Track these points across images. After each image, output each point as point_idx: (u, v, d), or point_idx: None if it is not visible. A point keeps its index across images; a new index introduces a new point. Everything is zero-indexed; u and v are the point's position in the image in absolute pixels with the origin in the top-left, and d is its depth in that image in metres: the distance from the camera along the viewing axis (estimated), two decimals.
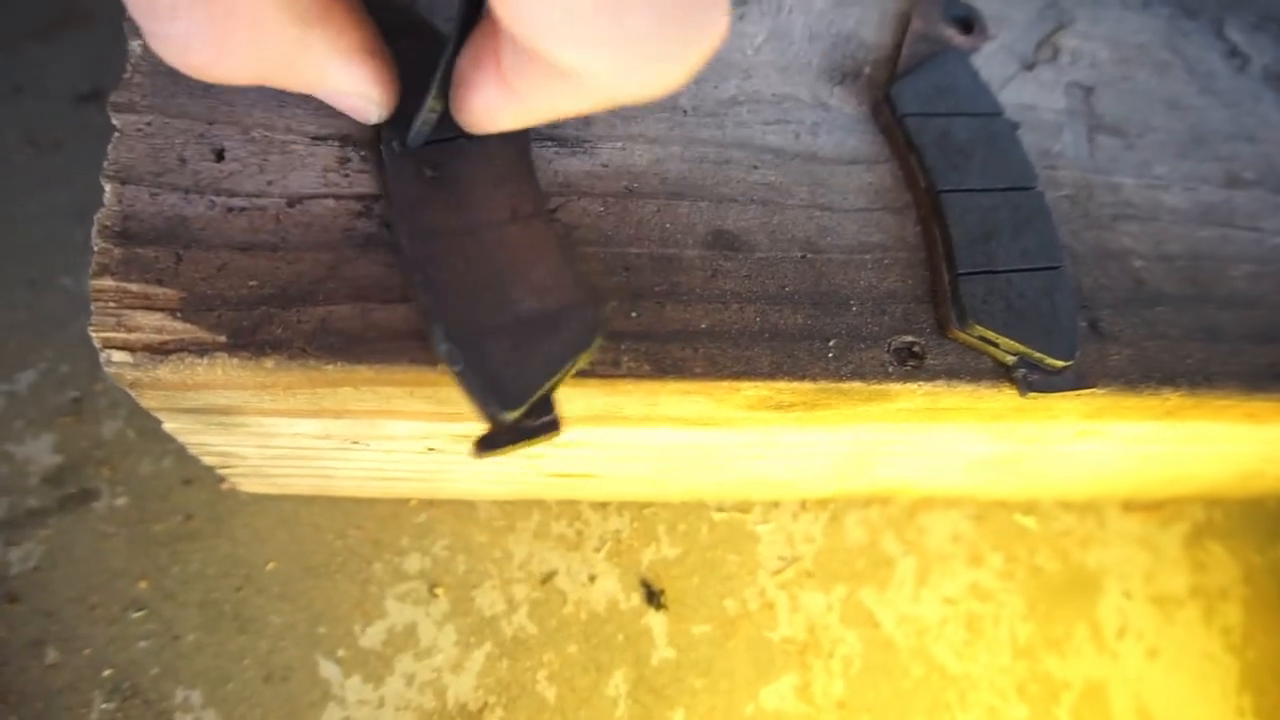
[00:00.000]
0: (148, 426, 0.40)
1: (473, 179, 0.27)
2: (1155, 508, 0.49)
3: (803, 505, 0.45)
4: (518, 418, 0.25)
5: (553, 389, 0.26)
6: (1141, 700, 0.44)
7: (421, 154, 0.28)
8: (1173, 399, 0.33)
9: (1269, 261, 0.36)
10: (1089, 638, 0.45)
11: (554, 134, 0.31)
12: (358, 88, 0.26)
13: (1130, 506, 0.49)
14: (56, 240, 0.42)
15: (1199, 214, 0.36)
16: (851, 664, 0.42)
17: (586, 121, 0.32)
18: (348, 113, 0.28)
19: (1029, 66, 0.38)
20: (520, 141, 0.28)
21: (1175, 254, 0.35)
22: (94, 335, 0.26)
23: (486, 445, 0.25)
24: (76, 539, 0.38)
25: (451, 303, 0.26)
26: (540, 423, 0.25)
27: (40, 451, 0.39)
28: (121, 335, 0.26)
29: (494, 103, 0.24)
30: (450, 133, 0.27)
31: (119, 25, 0.29)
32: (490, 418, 0.25)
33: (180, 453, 0.40)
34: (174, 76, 0.29)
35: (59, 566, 0.38)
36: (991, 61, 0.37)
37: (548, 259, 0.27)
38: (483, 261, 0.26)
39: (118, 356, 0.26)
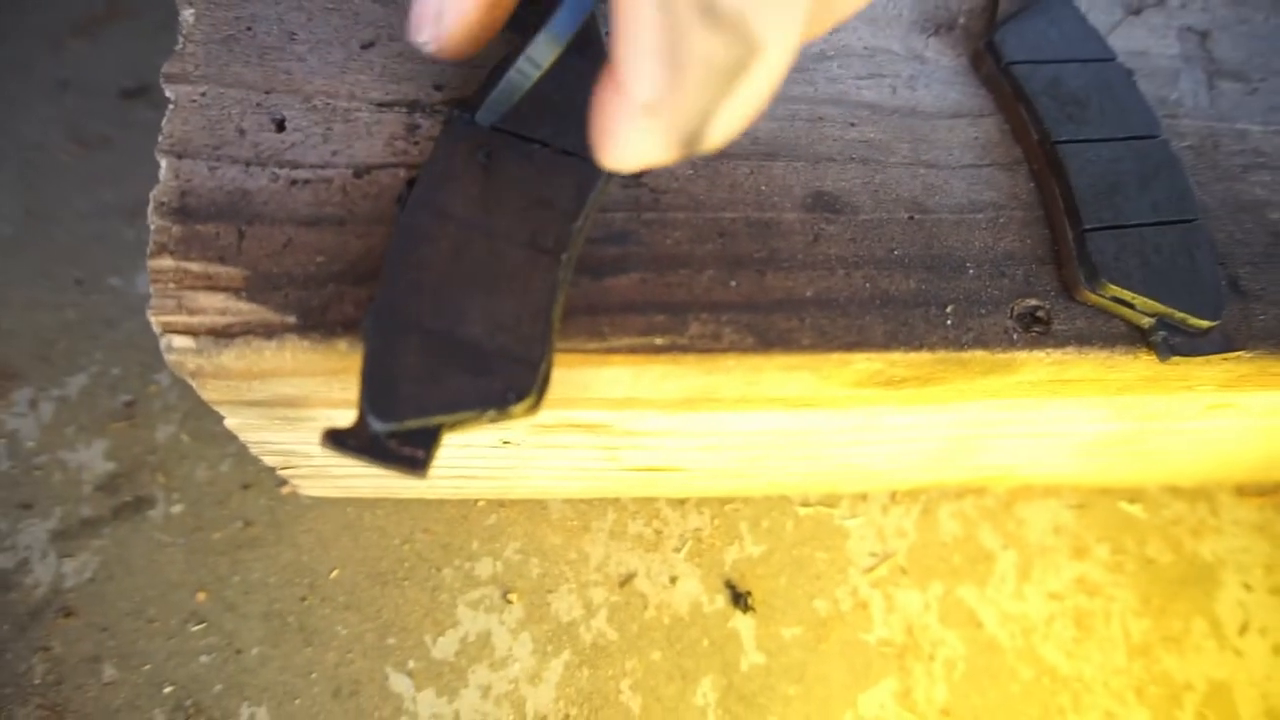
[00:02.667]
0: (203, 430, 0.38)
1: (517, 186, 0.24)
2: (1272, 492, 0.45)
3: (892, 498, 0.42)
4: (386, 433, 0.22)
5: (443, 428, 0.22)
6: (1270, 701, 0.41)
7: (485, 136, 0.25)
8: None
9: None
10: (1209, 634, 0.42)
11: None
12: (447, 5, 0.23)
13: (1244, 491, 0.45)
14: (105, 239, 0.41)
15: None
16: (954, 667, 0.39)
17: None
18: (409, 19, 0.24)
19: (1135, 11, 0.35)
20: (589, 172, 0.25)
21: None
22: (153, 320, 0.24)
23: (334, 439, 0.21)
24: (132, 549, 0.36)
25: (402, 284, 0.23)
26: (406, 454, 0.21)
27: (93, 459, 0.37)
28: (183, 319, 0.24)
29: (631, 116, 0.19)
30: (532, 133, 0.25)
31: (162, 18, 0.27)
32: (360, 415, 0.22)
33: (238, 456, 0.38)
34: (228, 44, 0.27)
35: (115, 579, 0.36)
36: (1095, 7, 0.34)
37: (529, 300, 0.23)
38: (464, 264, 0.23)
39: (179, 342, 0.24)
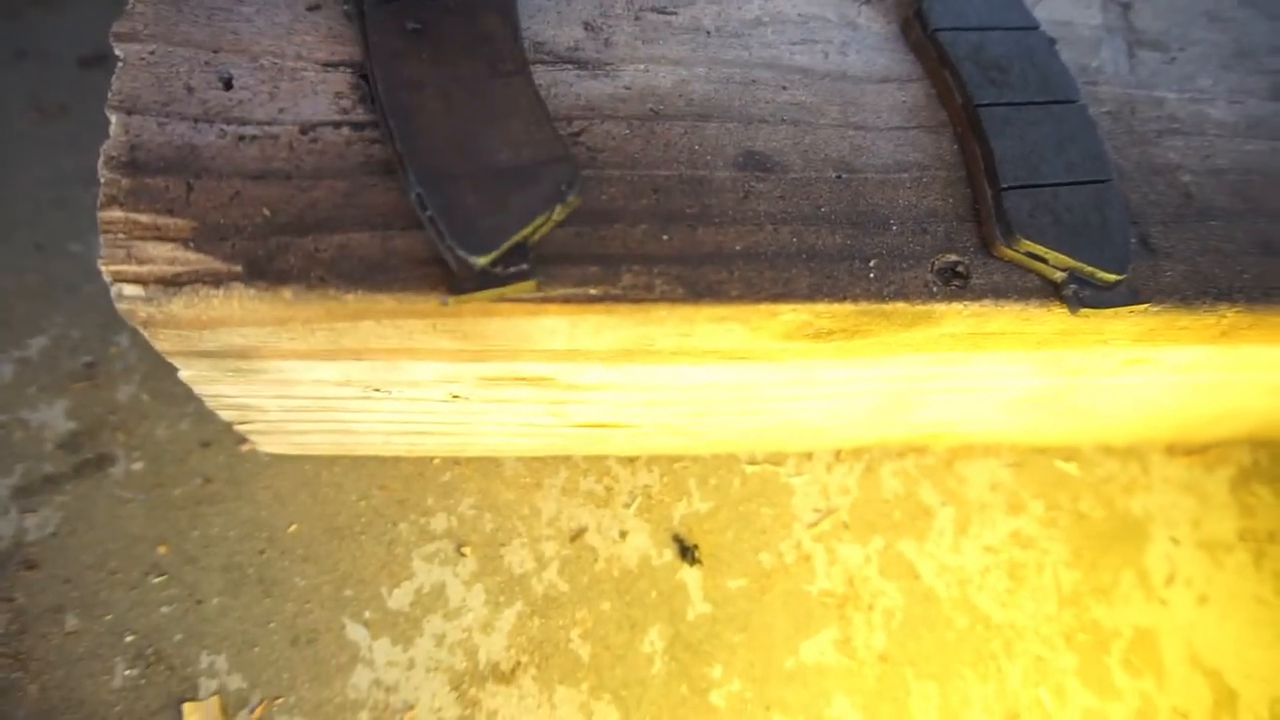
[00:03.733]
0: (163, 390, 0.39)
1: (455, 34, 0.27)
2: (1199, 451, 0.47)
3: (837, 456, 0.44)
4: (488, 263, 0.25)
5: (527, 238, 0.25)
6: (1194, 647, 0.43)
7: (403, 8, 0.27)
8: (1229, 316, 0.31)
9: None
10: (1137, 585, 0.44)
11: (574, 57, 0.30)
12: None
13: (1174, 451, 0.47)
14: (65, 205, 0.41)
15: (1246, 127, 0.35)
16: (892, 616, 0.41)
17: (607, 43, 0.31)
18: None
19: None
20: (503, 3, 0.28)
21: (1224, 168, 0.34)
22: (104, 269, 0.25)
23: (455, 289, 0.25)
24: (94, 505, 0.37)
25: (425, 150, 0.25)
26: (513, 270, 0.25)
27: (54, 418, 0.38)
28: (133, 268, 0.25)
29: None
30: None
31: None
32: (460, 261, 0.25)
33: (197, 415, 0.39)
34: (177, 5, 0.28)
35: (77, 533, 0.37)
36: None
37: (526, 114, 0.26)
38: (459, 113, 0.26)
39: (129, 290, 0.25)
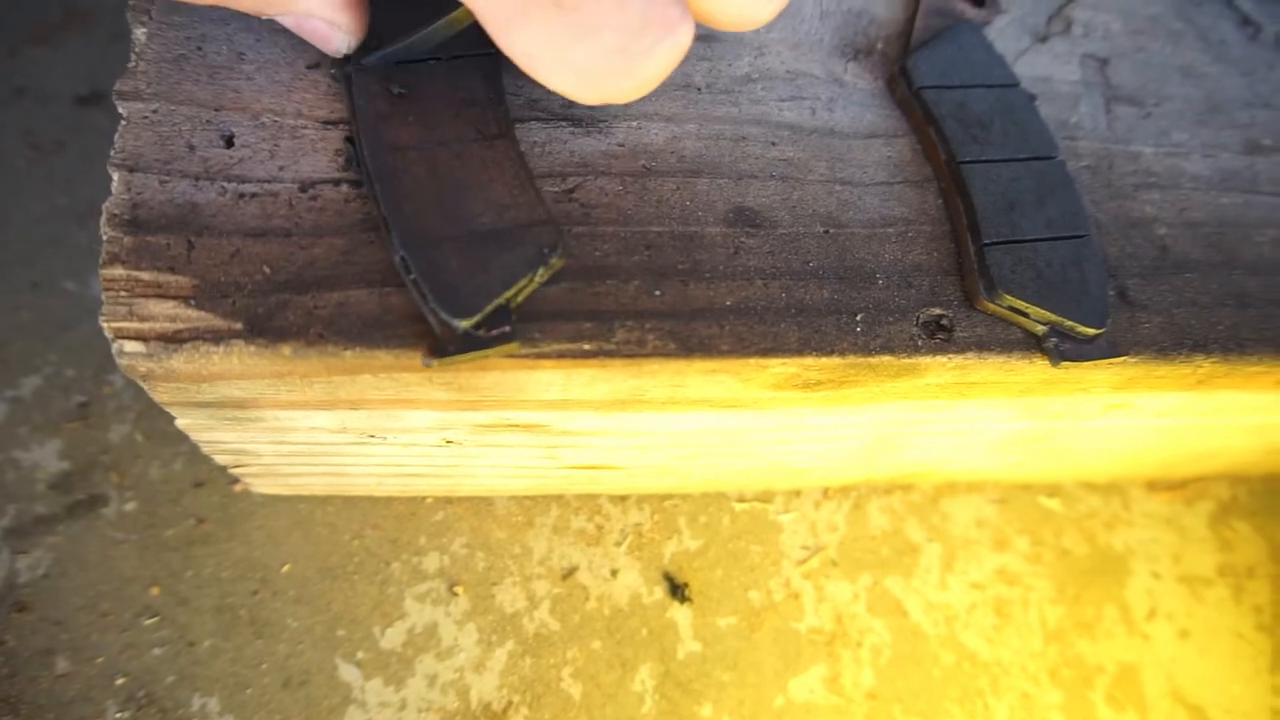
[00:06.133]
0: (156, 430, 0.39)
1: (440, 98, 0.28)
2: (1179, 487, 0.48)
3: (825, 494, 0.44)
4: (471, 326, 0.25)
5: (510, 300, 0.26)
6: (1175, 682, 0.44)
7: (389, 73, 0.28)
8: (1205, 366, 0.32)
9: None
10: (1119, 620, 0.45)
11: (568, 114, 0.31)
12: (326, 12, 0.27)
13: (1155, 486, 0.48)
14: (59, 243, 0.42)
15: (1220, 180, 0.36)
16: (880, 653, 0.42)
17: None
18: (314, 40, 0.28)
19: (1042, 39, 0.37)
20: (489, 65, 0.28)
21: (1199, 221, 0.35)
22: (105, 326, 0.25)
23: (436, 353, 0.25)
24: (86, 546, 0.37)
25: (408, 213, 0.26)
26: (495, 333, 0.25)
27: (47, 458, 0.38)
28: (134, 325, 0.25)
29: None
30: (422, 55, 0.28)
31: (118, 28, 0.29)
32: (443, 324, 0.25)
33: (190, 455, 0.39)
34: (179, 63, 0.29)
35: (68, 574, 0.37)
36: (1004, 35, 0.37)
37: (510, 177, 0.27)
38: (443, 177, 0.26)
39: (130, 347, 0.25)
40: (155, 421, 0.39)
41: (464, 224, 0.26)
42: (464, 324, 0.25)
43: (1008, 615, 0.44)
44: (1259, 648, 0.45)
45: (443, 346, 0.25)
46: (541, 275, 0.26)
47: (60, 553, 0.37)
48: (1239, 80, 0.39)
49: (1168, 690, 0.44)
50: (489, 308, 0.25)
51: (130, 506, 0.38)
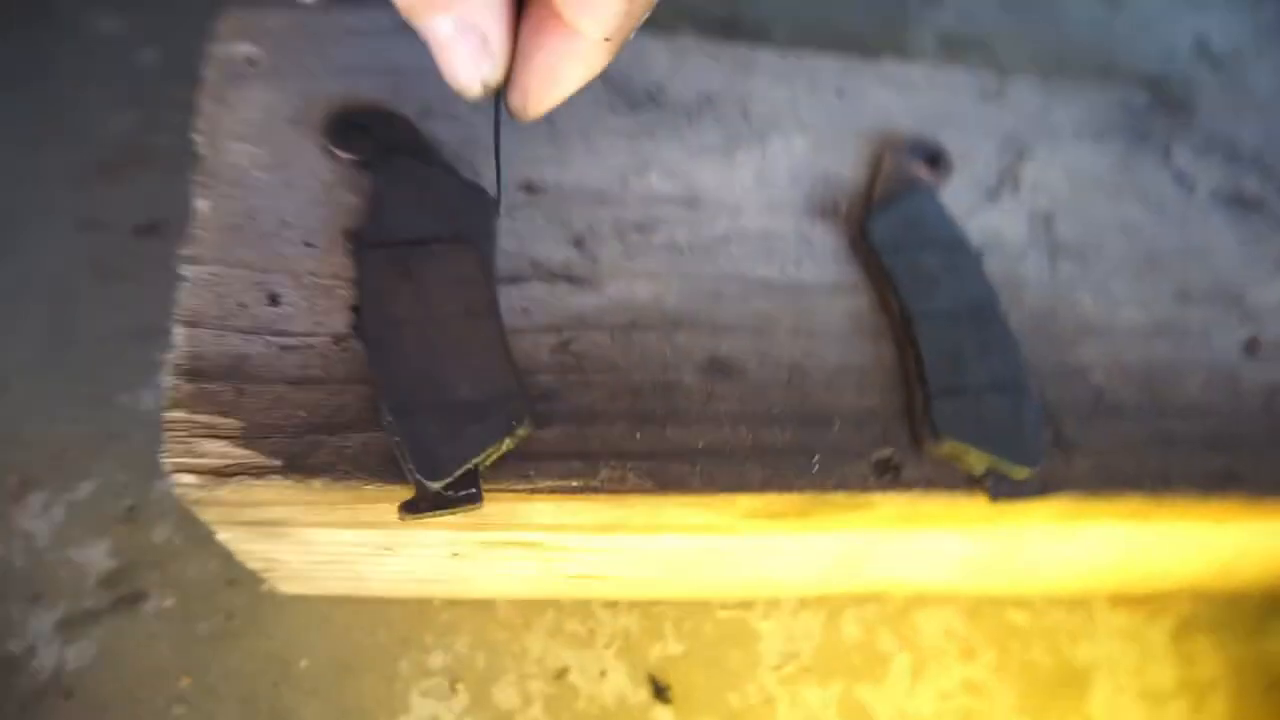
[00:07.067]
0: (195, 533, 0.43)
1: (437, 278, 0.32)
2: (1142, 602, 0.51)
3: (802, 603, 0.48)
4: (442, 487, 0.29)
5: (478, 465, 0.30)
6: None
7: (396, 253, 0.32)
8: (1134, 503, 0.36)
9: (1219, 371, 0.39)
10: None
11: (566, 273, 0.35)
12: (489, 23, 0.26)
13: (1117, 601, 0.51)
14: (116, 361, 0.47)
15: (1153, 329, 0.40)
16: None
17: (595, 260, 0.36)
18: (460, 63, 0.28)
19: (993, 197, 0.42)
20: (482, 252, 0.33)
21: (1132, 366, 0.39)
22: (166, 462, 0.30)
23: (410, 508, 0.29)
24: (127, 638, 0.41)
25: (398, 383, 0.30)
26: (462, 494, 0.29)
27: (97, 556, 0.43)
28: (190, 461, 0.30)
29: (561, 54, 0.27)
30: (419, 235, 0.33)
31: (174, 165, 0.34)
32: (418, 485, 0.29)
33: (224, 557, 0.43)
34: (235, 232, 0.34)
35: (110, 664, 0.41)
36: (958, 192, 0.42)
37: (489, 353, 0.31)
38: (431, 350, 0.31)
39: (186, 479, 0.30)
40: (194, 526, 0.43)
41: (444, 393, 0.30)
42: (436, 485, 0.29)
43: None
44: None
45: (416, 503, 0.29)
46: (509, 444, 0.30)
47: (104, 644, 0.41)
48: (1174, 233, 0.43)
49: None
50: (459, 472, 0.29)
51: (169, 602, 0.42)
